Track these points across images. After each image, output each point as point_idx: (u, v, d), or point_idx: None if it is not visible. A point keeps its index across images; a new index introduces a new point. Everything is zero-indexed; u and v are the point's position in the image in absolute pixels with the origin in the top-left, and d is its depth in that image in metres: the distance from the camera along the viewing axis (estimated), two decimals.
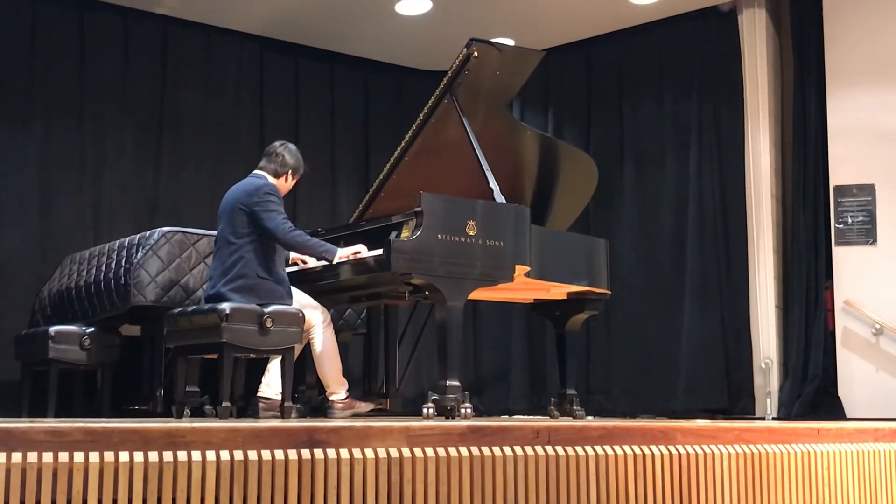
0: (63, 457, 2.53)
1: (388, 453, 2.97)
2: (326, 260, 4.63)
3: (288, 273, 4.72)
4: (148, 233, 5.18)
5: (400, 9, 7.14)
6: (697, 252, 7.09)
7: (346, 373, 4.89)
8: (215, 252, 4.64)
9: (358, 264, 4.58)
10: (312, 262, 4.91)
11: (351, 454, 2.91)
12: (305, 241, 4.56)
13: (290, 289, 4.60)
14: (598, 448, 3.37)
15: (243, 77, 7.44)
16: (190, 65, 7.22)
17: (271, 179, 4.66)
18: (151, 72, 7.07)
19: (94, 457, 2.57)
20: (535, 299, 5.41)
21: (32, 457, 2.51)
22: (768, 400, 6.71)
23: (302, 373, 5.03)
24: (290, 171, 4.71)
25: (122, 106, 6.93)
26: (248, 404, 4.80)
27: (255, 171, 4.72)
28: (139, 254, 5.03)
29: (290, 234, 4.50)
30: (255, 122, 7.48)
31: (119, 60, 6.95)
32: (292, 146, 4.79)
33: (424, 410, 4.27)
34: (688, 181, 7.21)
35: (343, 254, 4.60)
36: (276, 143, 4.79)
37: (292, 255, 4.88)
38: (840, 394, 6.53)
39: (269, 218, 4.49)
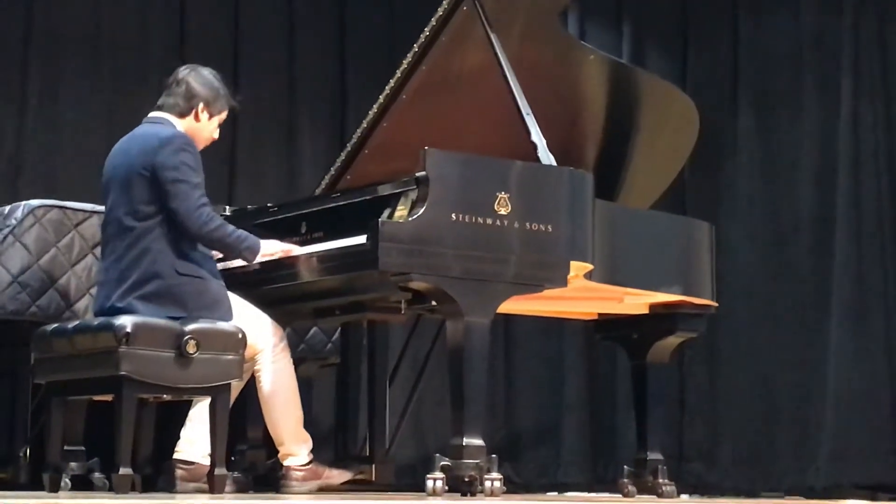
0: None
1: None
2: (245, 260, 4.68)
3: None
4: (7, 208, 5.19)
5: None
6: (852, 245, 7.08)
7: (310, 424, 4.91)
8: (104, 243, 4.65)
9: (326, 259, 4.59)
10: None
11: None
12: (226, 237, 4.57)
13: (225, 292, 4.62)
14: None
15: None
16: None
17: (179, 124, 4.67)
18: None
19: None
20: (600, 314, 5.45)
21: None
22: None
23: (242, 424, 5.04)
24: (202, 105, 4.71)
25: None
26: (159, 471, 4.81)
27: (153, 114, 4.73)
28: None
29: (207, 229, 4.49)
30: (172, 38, 7.47)
31: None
32: (204, 69, 4.81)
33: (430, 483, 4.30)
34: (836, 134, 7.19)
35: (268, 251, 4.66)
36: (181, 68, 4.82)
37: None
38: None
39: (182, 196, 4.47)
